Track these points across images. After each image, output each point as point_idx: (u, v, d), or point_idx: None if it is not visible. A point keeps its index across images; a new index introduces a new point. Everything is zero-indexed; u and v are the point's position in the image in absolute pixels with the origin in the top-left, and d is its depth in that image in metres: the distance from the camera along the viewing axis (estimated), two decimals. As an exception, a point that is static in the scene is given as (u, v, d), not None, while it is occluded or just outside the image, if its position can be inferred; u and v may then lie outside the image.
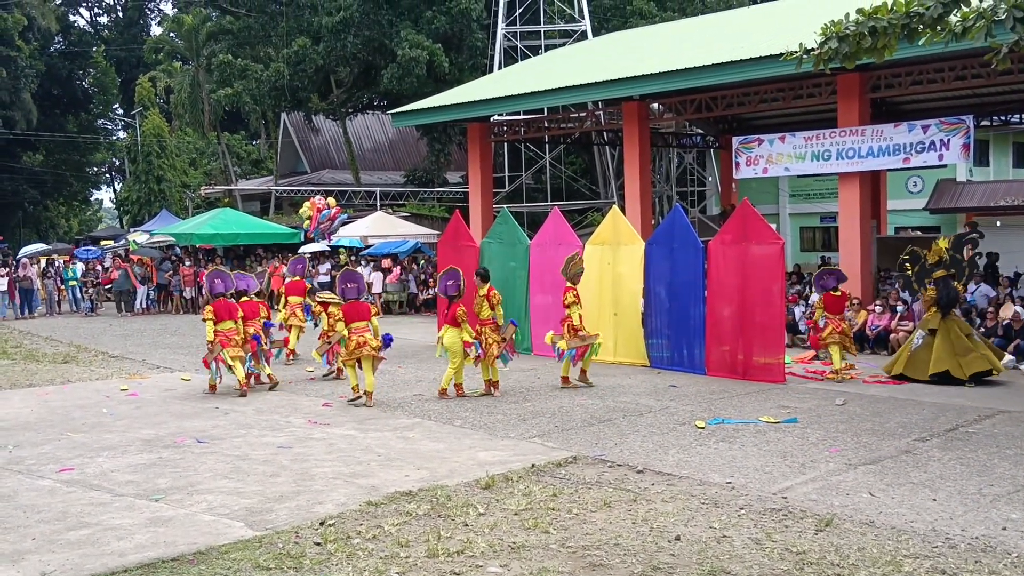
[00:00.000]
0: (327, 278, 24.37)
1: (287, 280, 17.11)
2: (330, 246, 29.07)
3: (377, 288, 25.53)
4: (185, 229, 31.26)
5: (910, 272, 13.89)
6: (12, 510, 7.42)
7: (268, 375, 13.52)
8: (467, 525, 6.84)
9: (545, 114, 27.50)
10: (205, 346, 13.30)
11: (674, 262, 14.62)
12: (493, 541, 6.47)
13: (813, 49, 9.83)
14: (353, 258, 27.48)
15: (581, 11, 34.52)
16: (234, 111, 42.06)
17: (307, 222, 30.55)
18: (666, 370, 14.50)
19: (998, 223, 24.75)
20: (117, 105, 63.86)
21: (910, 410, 11.16)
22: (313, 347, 14.37)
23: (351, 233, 28.88)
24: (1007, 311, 15.30)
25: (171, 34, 50.98)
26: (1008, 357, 14.40)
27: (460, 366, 12.38)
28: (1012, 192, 24.06)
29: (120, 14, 65.98)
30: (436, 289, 20.48)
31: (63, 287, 28.01)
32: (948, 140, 16.99)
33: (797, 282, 19.94)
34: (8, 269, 27.21)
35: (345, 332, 12.20)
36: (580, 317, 13.08)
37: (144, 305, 27.05)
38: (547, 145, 34.80)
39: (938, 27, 8.96)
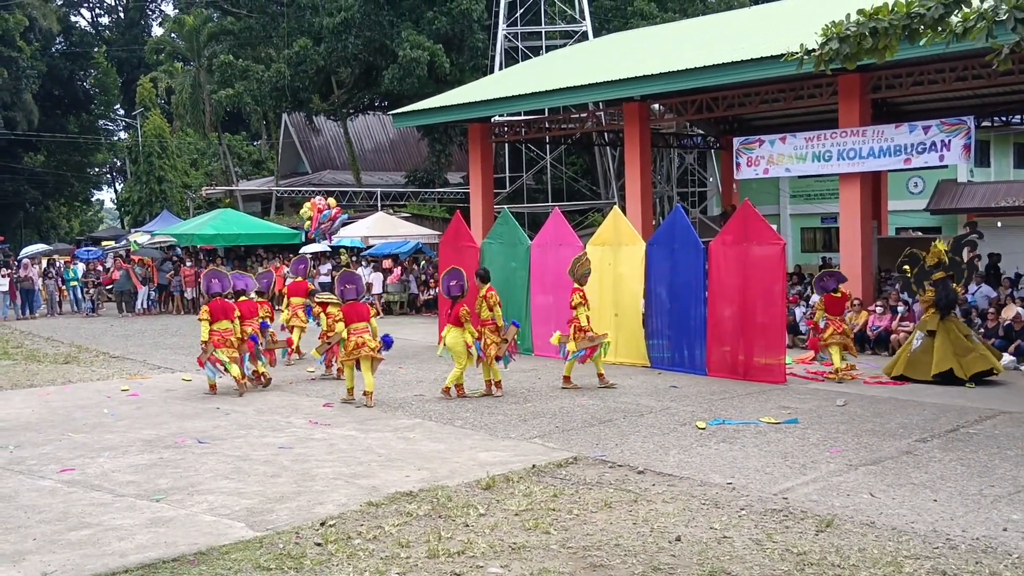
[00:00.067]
0: (328, 279, 24.38)
1: (288, 281, 17.12)
2: (331, 247, 29.08)
3: (378, 288, 25.53)
4: (186, 230, 31.29)
5: (909, 274, 13.90)
6: (13, 510, 7.42)
7: (262, 373, 13.52)
8: (468, 526, 6.84)
9: (546, 115, 27.51)
10: (201, 346, 13.33)
11: (675, 263, 14.62)
12: (494, 542, 6.47)
13: (814, 50, 9.83)
14: (354, 259, 27.49)
15: (582, 12, 34.52)
16: (235, 112, 42.07)
17: (308, 223, 30.57)
18: (667, 371, 14.50)
19: (999, 224, 24.74)
20: (118, 106, 63.97)
21: (911, 411, 11.16)
22: (314, 347, 14.43)
23: (352, 234, 28.90)
24: (1009, 312, 15.30)
25: (172, 35, 51.03)
26: (1009, 358, 14.43)
27: (465, 367, 12.39)
28: (1013, 193, 24.04)
29: (121, 15, 66.05)
30: (437, 290, 20.52)
31: (64, 287, 28.02)
32: (949, 141, 16.99)
33: (798, 283, 19.94)
34: (10, 270, 27.23)
35: (344, 333, 12.21)
36: (588, 318, 13.04)
37: (145, 306, 27.06)
38: (548, 146, 34.80)
39: (939, 28, 8.96)
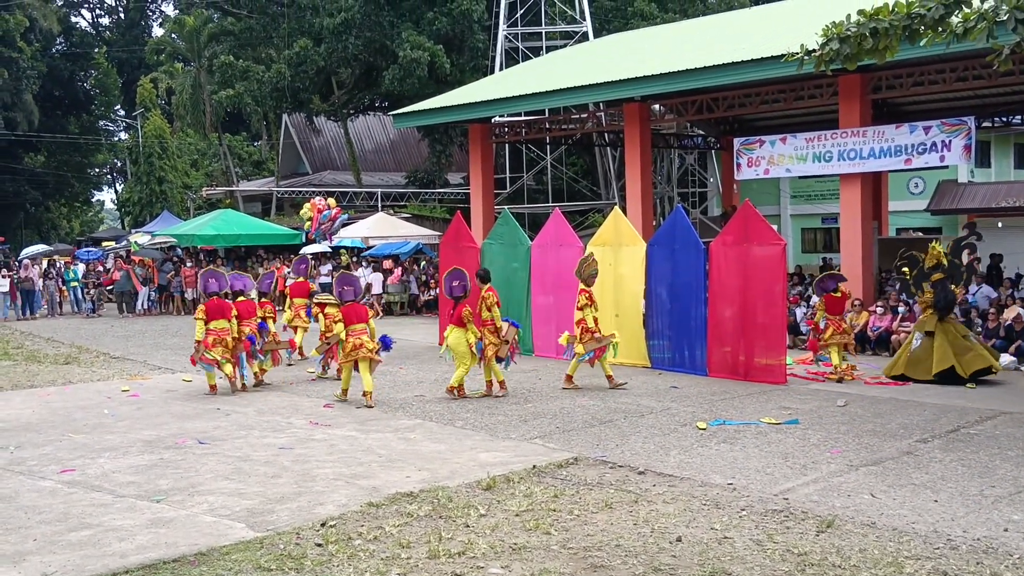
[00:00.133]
0: (328, 279, 24.39)
1: (289, 281, 17.12)
2: (331, 247, 29.08)
3: (377, 289, 25.54)
4: (186, 230, 31.29)
5: (908, 275, 13.93)
6: (13, 511, 7.42)
7: (255, 373, 13.50)
8: (468, 526, 6.84)
9: (546, 115, 27.51)
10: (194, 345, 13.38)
11: (675, 263, 14.61)
12: (494, 542, 6.47)
13: (814, 50, 9.83)
14: (354, 259, 27.49)
15: (582, 12, 34.52)
16: (235, 112, 42.09)
17: (308, 223, 30.57)
18: (667, 371, 14.49)
19: (999, 224, 24.74)
20: (119, 106, 63.97)
21: (911, 411, 11.16)
22: (313, 348, 14.45)
23: (352, 234, 28.90)
24: (1010, 312, 15.31)
25: (172, 35, 51.03)
26: (1009, 358, 14.45)
27: (468, 367, 12.40)
28: (1013, 193, 24.01)
29: (122, 15, 66.06)
30: (437, 290, 20.51)
31: (64, 288, 28.02)
32: (949, 141, 16.99)
33: (798, 283, 19.94)
34: (11, 271, 27.23)
35: (342, 334, 12.22)
36: (595, 319, 13.00)
37: (145, 306, 27.07)
38: (548, 146, 34.81)
39: (939, 28, 8.96)
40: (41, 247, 39.96)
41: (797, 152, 18.83)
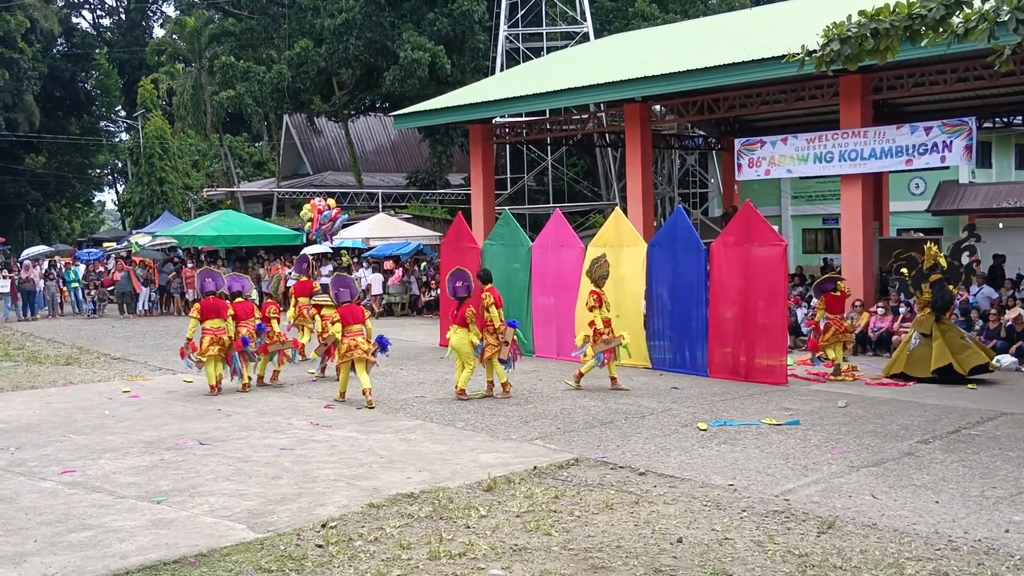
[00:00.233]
0: (328, 280, 24.38)
1: (291, 281, 17.12)
2: (332, 248, 29.07)
3: (377, 290, 25.55)
4: (187, 231, 31.29)
5: (907, 276, 13.97)
6: (14, 512, 7.42)
7: (259, 376, 13.50)
8: (469, 527, 6.83)
9: (547, 116, 27.49)
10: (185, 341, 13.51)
11: (676, 264, 14.61)
12: (495, 543, 6.46)
13: (815, 51, 9.83)
14: (355, 260, 27.49)
15: (583, 13, 34.51)
16: (236, 113, 42.08)
17: (308, 224, 30.55)
18: (668, 372, 14.49)
19: (1000, 225, 24.74)
20: (120, 107, 63.98)
21: (912, 412, 11.15)
22: (312, 349, 14.47)
23: (353, 235, 28.89)
24: (1011, 313, 15.32)
25: (173, 36, 51.01)
26: (1010, 359, 14.47)
27: (473, 368, 12.39)
28: (1014, 194, 23.99)
29: (122, 16, 66.07)
30: (438, 291, 20.51)
31: (65, 289, 28.03)
32: (950, 142, 16.98)
33: (799, 284, 19.93)
34: (12, 271, 27.23)
35: (338, 335, 12.25)
36: (605, 321, 12.96)
37: (146, 307, 27.07)
38: (549, 147, 34.80)
39: (940, 29, 8.96)
40: (42, 248, 39.92)
41: (798, 153, 18.82)
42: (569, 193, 36.11)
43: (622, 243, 15.32)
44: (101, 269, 29.95)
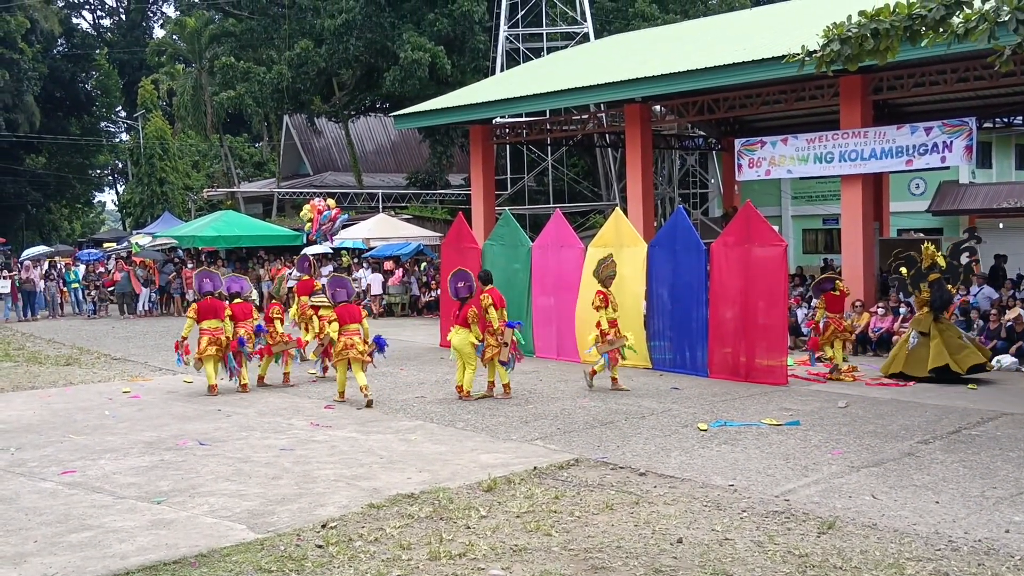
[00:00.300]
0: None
1: (291, 281, 17.11)
2: (332, 248, 29.06)
3: (377, 290, 25.55)
4: (188, 231, 31.28)
5: (906, 275, 13.99)
6: (14, 512, 7.43)
7: (245, 379, 13.48)
8: (469, 527, 6.83)
9: (547, 116, 27.49)
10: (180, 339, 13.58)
11: (676, 264, 14.61)
12: (495, 543, 6.46)
13: (815, 51, 9.83)
14: (355, 260, 27.48)
15: (583, 13, 34.51)
16: (236, 113, 42.08)
17: (308, 224, 30.54)
18: (668, 372, 14.49)
19: (1000, 225, 24.74)
20: (120, 108, 64.02)
21: (913, 412, 11.15)
22: (311, 350, 14.48)
23: (353, 235, 28.88)
24: (1011, 313, 15.33)
25: (174, 37, 51.05)
26: (1010, 359, 14.49)
27: (475, 368, 12.39)
28: (1015, 194, 24.00)
29: (123, 17, 66.11)
30: (438, 291, 20.50)
31: (66, 289, 28.04)
32: (951, 142, 16.98)
33: (799, 284, 19.93)
34: (12, 272, 27.22)
35: (333, 335, 12.27)
36: (611, 321, 12.93)
37: (146, 308, 27.07)
38: (549, 147, 34.79)
39: (940, 29, 8.96)
40: (42, 248, 39.95)
41: (798, 153, 18.82)
42: (569, 193, 36.11)
43: (622, 243, 15.31)
44: (101, 270, 29.94)
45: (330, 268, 26.51)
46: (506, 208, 24.49)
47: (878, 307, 16.79)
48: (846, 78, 16.91)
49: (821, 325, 14.16)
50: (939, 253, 13.84)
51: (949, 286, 13.72)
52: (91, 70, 61.39)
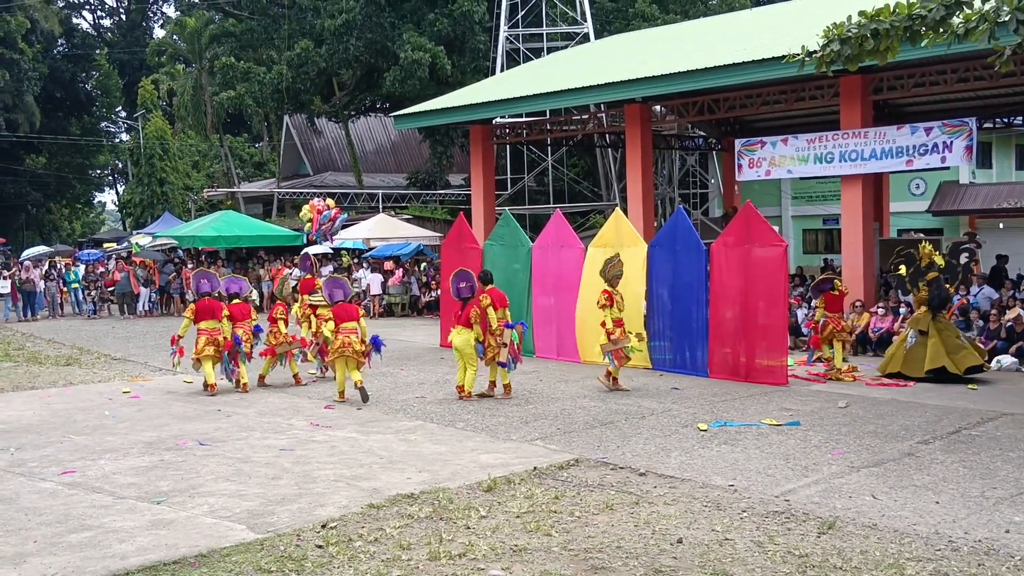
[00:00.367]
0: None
1: (292, 281, 17.09)
2: (332, 248, 29.06)
3: (377, 290, 25.54)
4: (188, 232, 31.29)
5: (904, 274, 14.00)
6: (14, 512, 7.42)
7: (244, 379, 13.47)
8: (469, 528, 6.83)
9: (547, 116, 27.50)
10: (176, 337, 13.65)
11: (676, 264, 14.61)
12: (495, 544, 6.46)
13: (815, 51, 9.83)
14: (355, 260, 27.47)
15: (583, 13, 34.52)
16: (236, 113, 42.08)
17: (308, 225, 30.54)
18: (668, 372, 14.49)
19: (1000, 225, 24.74)
20: (120, 108, 64.04)
21: (913, 413, 11.15)
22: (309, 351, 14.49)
23: (353, 235, 28.89)
24: (1012, 314, 15.33)
25: (174, 37, 51.05)
26: (1010, 359, 14.49)
27: (477, 369, 12.39)
28: (1015, 194, 24.00)
29: (123, 17, 66.13)
30: (438, 292, 20.49)
31: (66, 289, 28.03)
32: (951, 142, 16.98)
33: (799, 284, 19.92)
34: (12, 272, 27.22)
35: (328, 334, 12.29)
36: (616, 321, 12.90)
37: (146, 308, 27.07)
38: (549, 147, 34.80)
39: (940, 29, 8.96)
40: (42, 248, 39.97)
41: (798, 153, 18.82)
42: (569, 193, 36.11)
43: (622, 243, 15.31)
44: (101, 270, 29.94)
45: (330, 268, 26.53)
46: (506, 208, 24.50)
47: (878, 307, 16.79)
48: (846, 78, 16.91)
49: (820, 324, 14.17)
50: (937, 252, 13.86)
51: (947, 285, 13.73)
52: (91, 70, 61.41)
